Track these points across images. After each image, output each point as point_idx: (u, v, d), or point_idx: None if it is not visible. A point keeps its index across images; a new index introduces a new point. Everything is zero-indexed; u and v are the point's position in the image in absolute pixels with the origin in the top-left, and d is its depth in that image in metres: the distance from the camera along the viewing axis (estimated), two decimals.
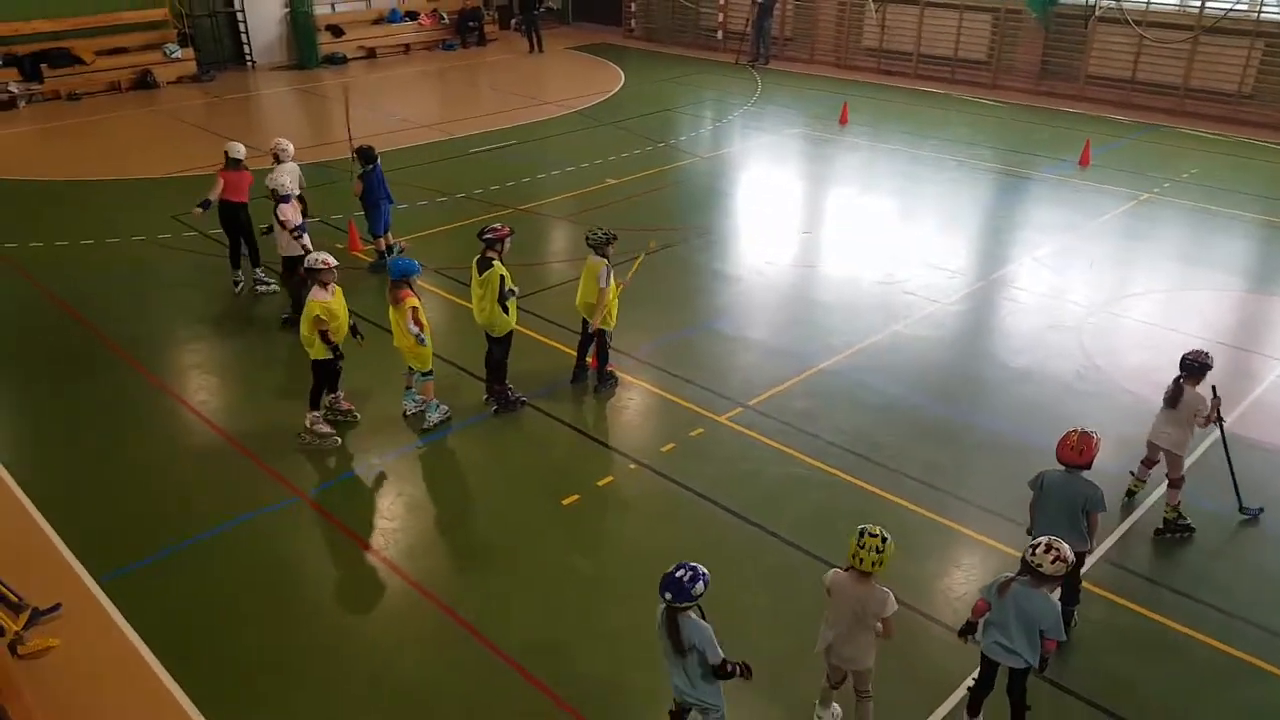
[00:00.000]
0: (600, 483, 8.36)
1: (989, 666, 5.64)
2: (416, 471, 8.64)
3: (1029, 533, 6.38)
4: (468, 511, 8.20)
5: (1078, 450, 6.21)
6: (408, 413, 9.27)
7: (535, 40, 28.17)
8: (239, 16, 25.41)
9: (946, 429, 9.18)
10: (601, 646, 6.63)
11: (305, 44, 25.82)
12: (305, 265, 8.77)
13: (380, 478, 8.55)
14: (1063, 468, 6.29)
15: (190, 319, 11.48)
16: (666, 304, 11.78)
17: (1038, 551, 5.27)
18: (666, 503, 8.16)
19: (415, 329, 8.66)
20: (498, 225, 9.27)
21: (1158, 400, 7.78)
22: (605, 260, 9.28)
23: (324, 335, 8.56)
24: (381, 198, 12.47)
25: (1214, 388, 7.65)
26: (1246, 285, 12.46)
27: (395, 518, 8.03)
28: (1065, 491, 6.24)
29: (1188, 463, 7.82)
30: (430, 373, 9.04)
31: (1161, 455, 7.72)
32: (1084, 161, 17.09)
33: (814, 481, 8.34)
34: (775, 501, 8.04)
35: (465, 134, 19.56)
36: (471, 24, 29.33)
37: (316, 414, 8.92)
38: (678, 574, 4.93)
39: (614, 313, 9.46)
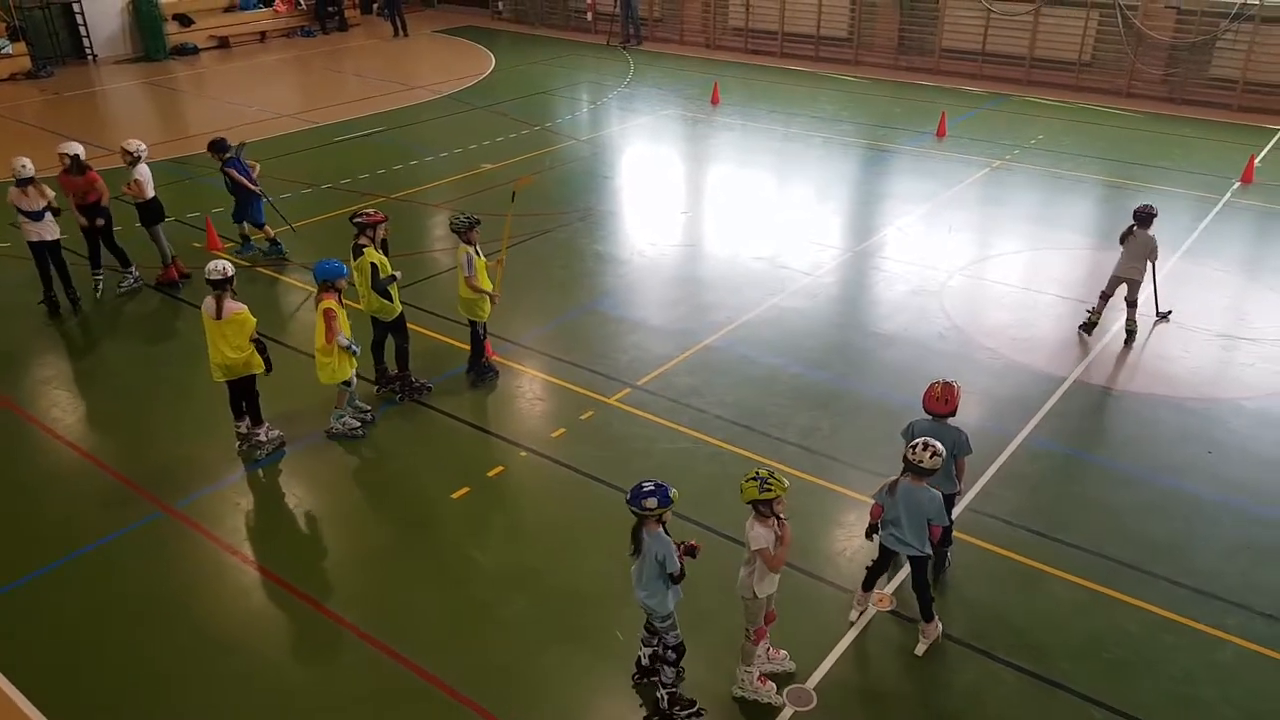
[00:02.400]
0: (491, 473, 8.33)
1: (886, 554, 6.50)
2: (297, 477, 8.41)
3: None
4: (353, 514, 8.01)
5: (942, 400, 6.65)
6: (332, 431, 8.85)
7: (399, 24, 27.47)
8: (75, 7, 23.82)
9: (824, 395, 9.55)
10: (504, 636, 6.65)
11: (151, 35, 24.45)
12: (209, 277, 8.07)
13: (259, 485, 8.29)
14: (930, 417, 6.71)
15: (40, 329, 10.82)
16: (550, 288, 11.79)
17: (916, 450, 6.02)
18: (559, 487, 8.22)
19: (344, 340, 8.29)
20: (370, 210, 9.09)
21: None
22: (469, 247, 9.13)
23: (260, 346, 8.24)
24: (246, 189, 12.23)
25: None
26: (1092, 242, 13.36)
27: (274, 526, 7.81)
28: (935, 437, 6.60)
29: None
30: (348, 382, 8.64)
31: (1123, 285, 10.22)
32: (940, 133, 17.91)
33: (702, 454, 8.55)
34: (666, 477, 7.96)
35: (330, 122, 18.97)
36: (331, 9, 28.35)
37: (264, 425, 8.62)
38: (642, 485, 5.47)
39: (486, 306, 9.35)
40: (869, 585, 6.75)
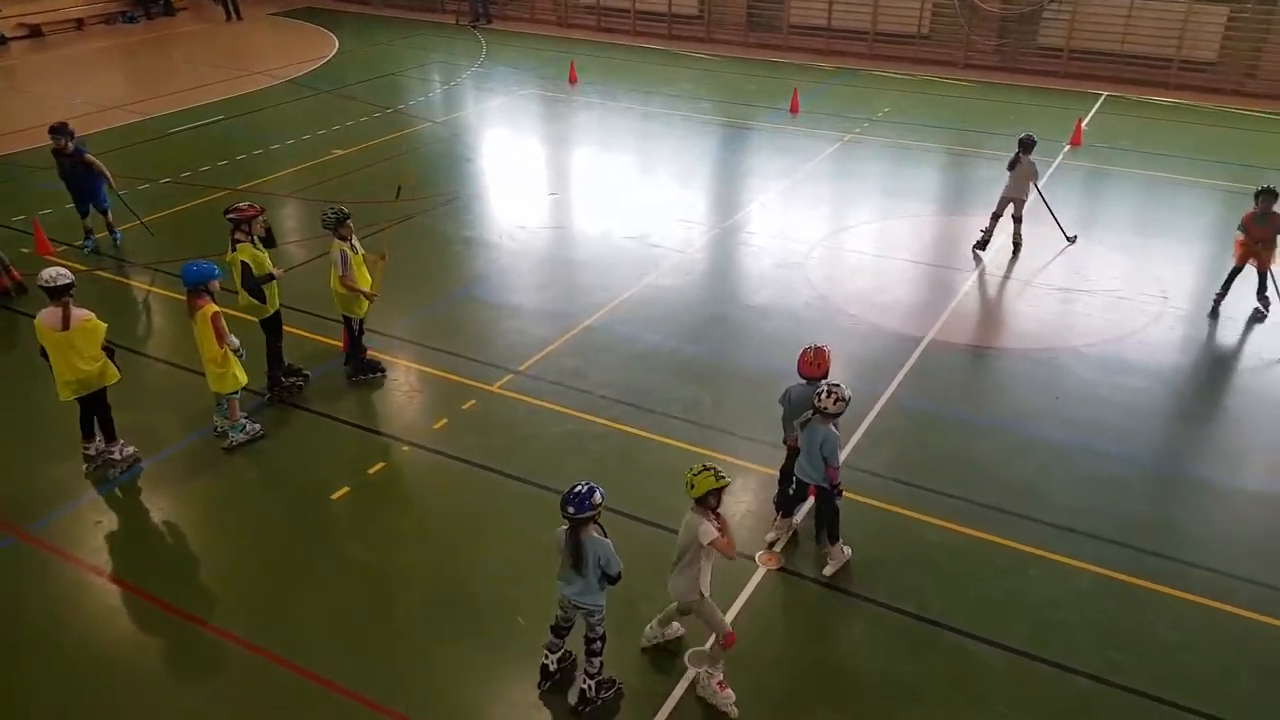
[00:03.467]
0: (371, 471, 8.10)
1: (800, 485, 7.08)
2: (161, 491, 7.94)
3: (785, 443, 7.29)
4: (227, 524, 7.61)
5: (814, 364, 6.98)
6: (232, 444, 8.36)
7: (231, 7, 26.01)
8: None
9: (704, 368, 9.74)
10: (400, 635, 6.51)
11: None
12: (47, 285, 7.39)
13: (119, 504, 7.78)
14: (804, 381, 7.01)
15: None
16: (419, 277, 11.51)
17: (821, 396, 6.53)
18: (446, 479, 8.08)
19: (234, 342, 7.86)
20: (243, 204, 8.61)
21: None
22: (343, 243, 8.81)
23: (110, 353, 7.67)
24: (99, 177, 11.67)
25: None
26: (939, 209, 14.11)
27: (141, 544, 7.37)
28: (809, 400, 6.92)
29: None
30: (236, 392, 8.17)
31: (1010, 204, 11.94)
32: (794, 109, 18.45)
33: (590, 435, 8.58)
34: (556, 460, 8.20)
35: (163, 113, 17.81)
36: None
37: (119, 442, 8.03)
38: (577, 489, 5.34)
39: (363, 302, 9.04)
40: (786, 514, 7.31)
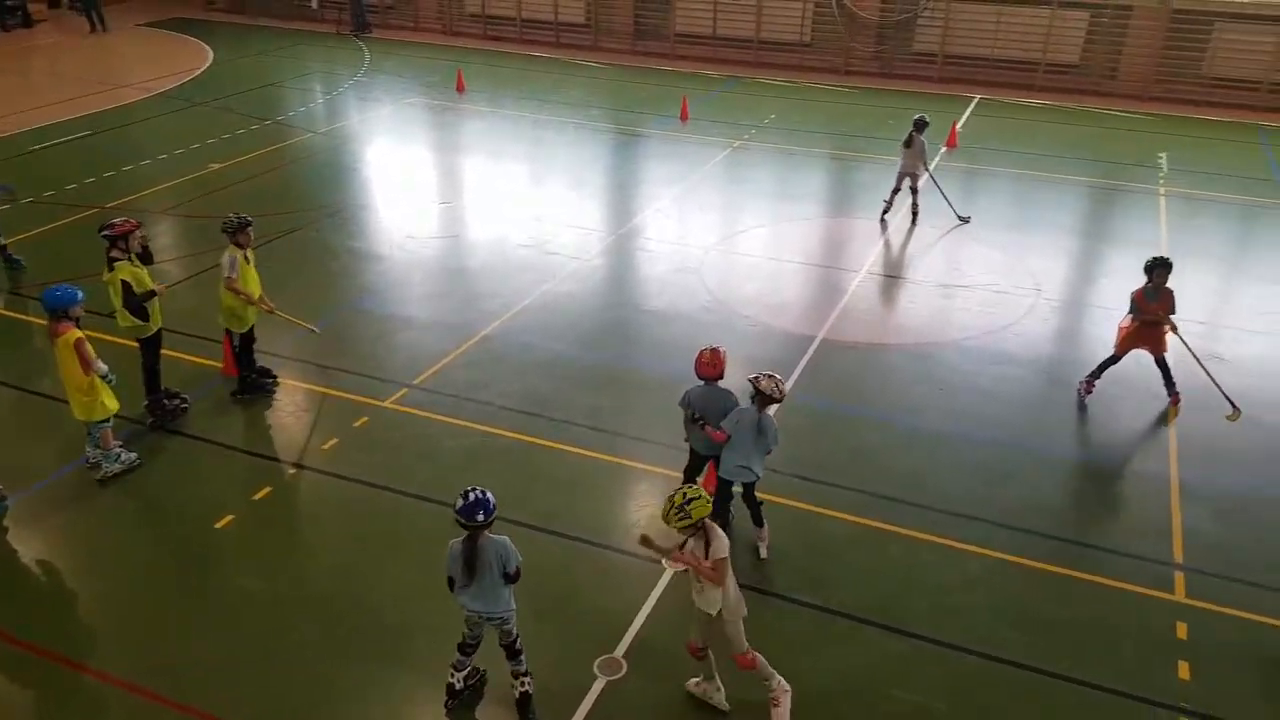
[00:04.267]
0: (257, 496, 7.78)
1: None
2: (30, 531, 7.42)
3: (687, 441, 7.34)
4: (103, 561, 7.18)
5: (711, 365, 7.04)
6: (107, 476, 7.86)
7: (95, 18, 24.72)
8: None
9: (605, 374, 9.73)
10: (297, 664, 6.25)
11: None
12: None
13: None
14: (702, 382, 7.06)
15: None
16: (305, 291, 11.13)
17: (761, 380, 6.71)
18: (337, 501, 7.83)
19: (102, 368, 7.39)
20: (118, 220, 8.18)
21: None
22: (238, 249, 8.53)
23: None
24: None
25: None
26: (826, 212, 14.49)
27: (9, 587, 6.87)
28: (709, 401, 7.05)
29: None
30: (108, 420, 7.68)
31: (907, 178, 13.16)
32: (684, 116, 18.67)
33: (491, 448, 8.46)
34: (455, 475, 8.03)
35: (24, 129, 16.77)
36: (10, 3, 24.96)
37: None
38: (471, 497, 5.22)
39: (249, 315, 8.73)
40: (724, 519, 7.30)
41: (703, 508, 5.31)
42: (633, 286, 11.92)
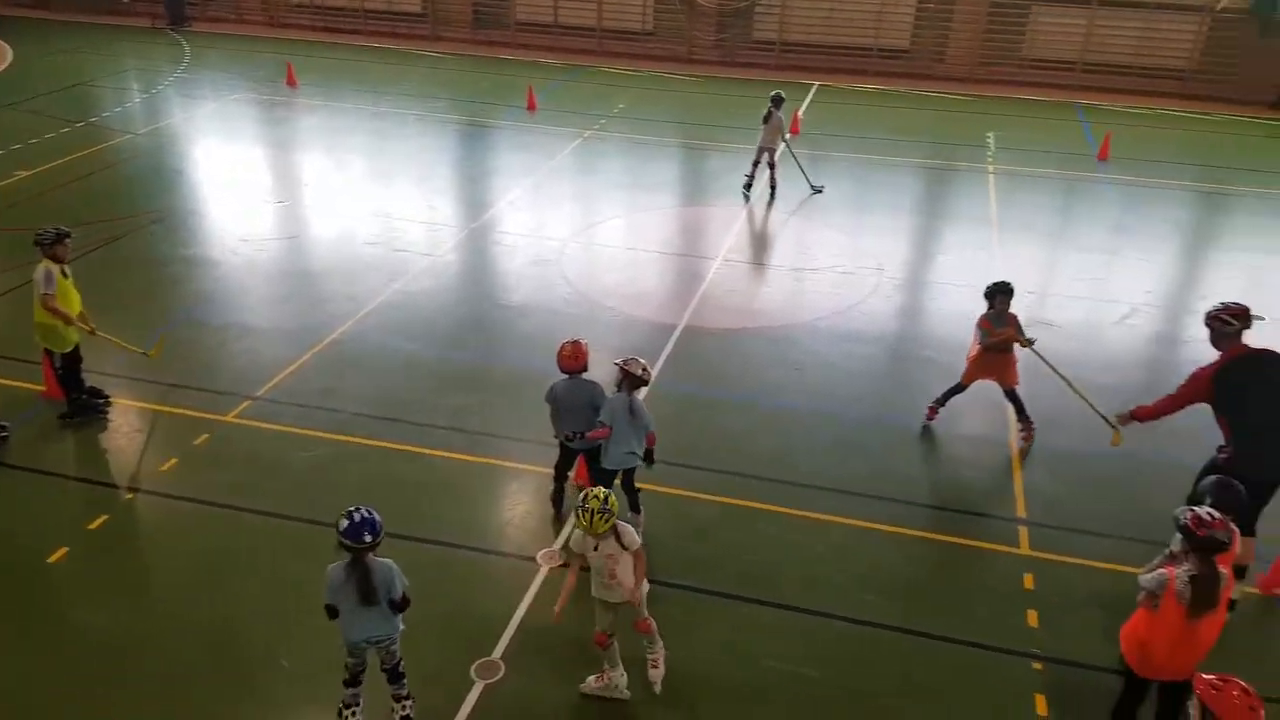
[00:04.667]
0: (92, 526, 7.15)
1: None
2: None
3: (556, 437, 7.21)
4: None
5: (572, 357, 6.96)
6: None
7: None
8: None
9: (467, 373, 9.48)
10: (144, 700, 5.78)
11: None
12: None
13: None
14: (566, 376, 6.97)
15: None
16: (132, 303, 10.34)
17: (630, 363, 6.73)
18: (181, 524, 7.30)
19: None
20: None
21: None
22: (54, 263, 7.85)
23: None
24: None
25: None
26: (680, 200, 14.63)
27: None
28: (575, 394, 6.97)
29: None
30: None
31: (766, 152, 13.76)
32: (531, 106, 18.44)
33: (348, 457, 8.08)
34: (309, 488, 7.64)
35: None
36: None
37: None
38: (357, 517, 4.94)
39: (69, 335, 8.00)
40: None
41: (615, 499, 5.33)
42: (490, 281, 11.68)
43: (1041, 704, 5.95)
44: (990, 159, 16.53)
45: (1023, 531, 7.52)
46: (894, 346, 10.46)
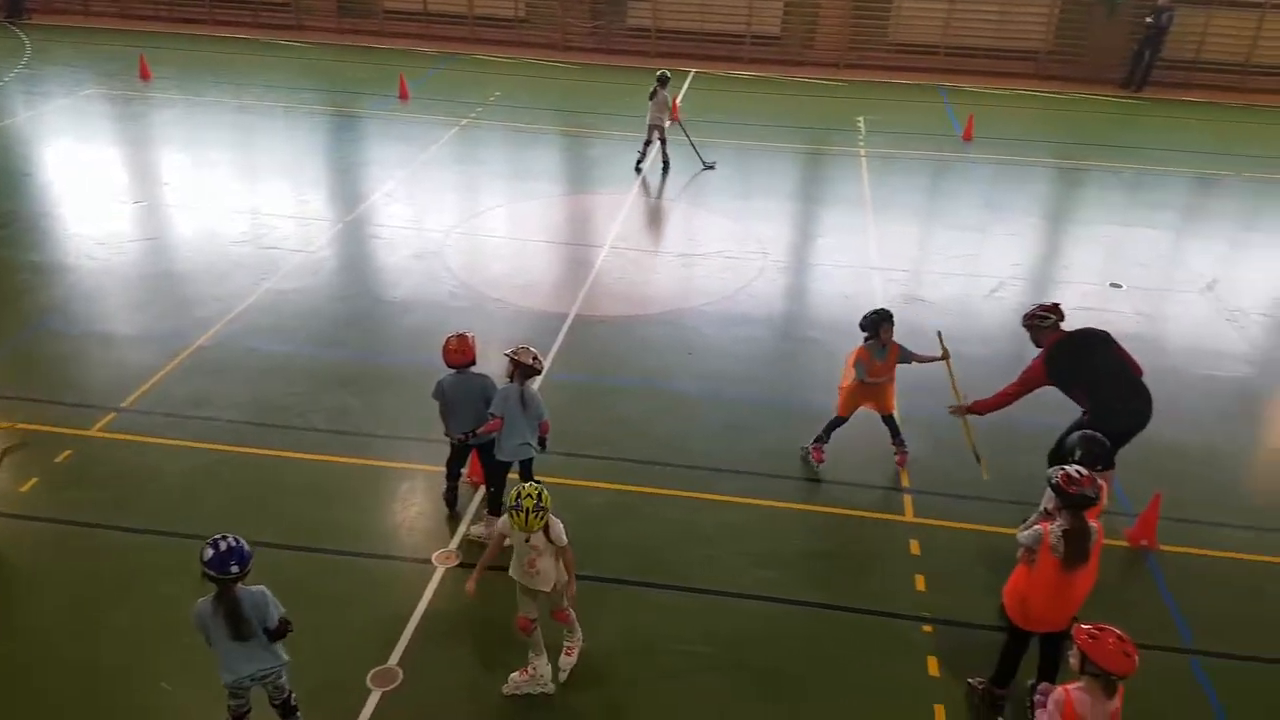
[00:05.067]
0: None
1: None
2: None
3: (447, 435, 7.03)
4: None
5: (458, 352, 6.79)
6: None
7: None
8: None
9: (347, 373, 9.15)
10: None
11: None
12: None
13: None
14: (453, 371, 6.82)
15: None
16: None
17: (519, 352, 6.60)
18: (45, 548, 6.80)
19: None
20: None
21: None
22: None
23: None
24: None
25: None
26: (563, 189, 14.51)
27: None
28: (463, 389, 6.80)
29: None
30: None
31: (655, 130, 14.27)
32: (403, 95, 17.95)
33: (223, 466, 7.68)
34: (184, 501, 7.24)
35: None
36: None
37: None
38: (223, 546, 4.62)
39: None
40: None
41: (548, 495, 5.27)
42: (369, 276, 11.31)
43: (933, 665, 6.17)
44: (862, 142, 17.03)
45: (907, 499, 7.79)
46: (780, 328, 10.66)
